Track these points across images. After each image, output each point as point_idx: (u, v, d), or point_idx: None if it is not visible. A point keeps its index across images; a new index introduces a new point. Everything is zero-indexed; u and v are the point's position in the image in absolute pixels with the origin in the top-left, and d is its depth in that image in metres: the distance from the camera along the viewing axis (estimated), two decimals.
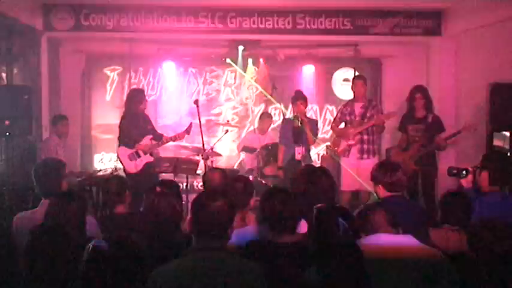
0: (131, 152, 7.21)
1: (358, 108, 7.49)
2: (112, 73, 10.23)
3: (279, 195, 3.70)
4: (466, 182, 4.68)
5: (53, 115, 8.27)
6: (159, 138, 7.56)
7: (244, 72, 9.87)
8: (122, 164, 7.30)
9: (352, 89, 7.63)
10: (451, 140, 7.18)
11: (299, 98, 7.57)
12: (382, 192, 4.24)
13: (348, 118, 7.57)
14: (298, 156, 7.40)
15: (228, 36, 9.08)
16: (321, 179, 4.21)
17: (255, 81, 10.07)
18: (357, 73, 9.43)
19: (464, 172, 5.00)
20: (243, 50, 9.53)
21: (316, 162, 9.27)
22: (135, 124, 7.25)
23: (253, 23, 8.71)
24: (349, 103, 7.69)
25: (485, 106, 6.49)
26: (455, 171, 6.17)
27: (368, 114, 7.41)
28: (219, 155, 9.01)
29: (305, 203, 3.76)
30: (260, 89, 9.70)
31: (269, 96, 9.14)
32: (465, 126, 6.94)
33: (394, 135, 8.34)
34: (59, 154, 7.38)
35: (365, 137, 7.39)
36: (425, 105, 7.14)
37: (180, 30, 8.68)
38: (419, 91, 7.19)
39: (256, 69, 9.96)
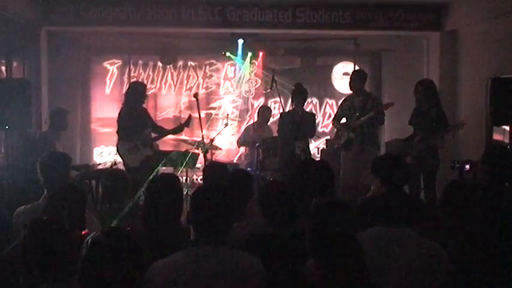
0: (130, 146, 7.20)
1: (357, 102, 7.47)
2: (112, 66, 10.24)
3: (278, 189, 3.70)
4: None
5: (52, 108, 8.25)
6: (158, 131, 7.55)
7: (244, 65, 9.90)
8: (122, 158, 7.29)
9: (350, 83, 7.61)
10: (449, 135, 7.17)
11: (299, 92, 7.57)
12: (382, 186, 4.23)
13: (347, 113, 7.55)
14: (297, 150, 7.40)
15: (227, 29, 9.06)
16: (321, 172, 4.21)
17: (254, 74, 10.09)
18: (356, 67, 9.42)
19: (467, 166, 5.00)
20: (243, 44, 9.53)
21: (316, 156, 9.28)
22: (134, 117, 7.23)
23: (253, 17, 8.69)
24: (349, 97, 7.68)
25: (485, 100, 6.48)
26: (458, 165, 6.19)
27: (367, 108, 7.39)
28: (219, 148, 9.01)
29: (304, 197, 3.77)
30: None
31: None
32: (455, 125, 6.92)
33: (394, 128, 8.35)
34: (56, 148, 7.37)
35: (365, 130, 7.37)
36: (428, 99, 7.03)
37: (179, 24, 8.66)
38: (421, 85, 7.10)
39: (255, 62, 9.97)
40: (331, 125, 8.57)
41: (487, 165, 4.56)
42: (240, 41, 9.51)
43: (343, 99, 7.96)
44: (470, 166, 5.63)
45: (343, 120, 7.67)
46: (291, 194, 3.67)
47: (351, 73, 8.21)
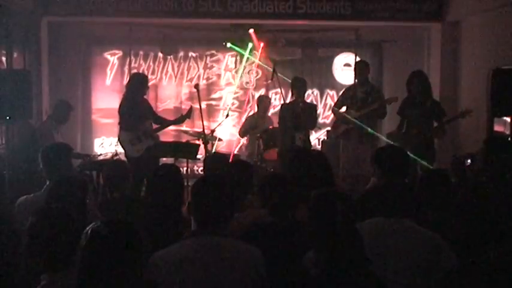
0: (133, 136, 7.20)
1: (360, 92, 7.47)
2: (112, 57, 10.22)
3: (277, 180, 3.71)
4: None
5: (56, 99, 8.23)
6: (159, 122, 7.55)
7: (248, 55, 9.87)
8: (124, 149, 7.29)
9: (355, 73, 7.61)
10: (449, 126, 7.16)
11: (298, 83, 7.57)
12: (383, 177, 4.22)
13: (349, 102, 7.56)
14: (298, 142, 7.40)
15: (228, 20, 9.03)
16: (319, 163, 4.21)
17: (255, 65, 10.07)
18: (358, 58, 9.40)
19: (469, 160, 4.99)
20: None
21: (317, 147, 9.28)
22: (135, 109, 7.23)
23: (254, 7, 8.65)
24: (351, 87, 7.68)
25: (486, 91, 6.47)
26: (460, 158, 6.19)
27: (370, 99, 7.39)
28: (220, 139, 9.01)
29: (304, 188, 3.77)
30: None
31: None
32: (462, 112, 6.93)
33: (394, 120, 8.33)
34: (55, 138, 7.37)
35: (365, 121, 7.36)
36: (424, 90, 7.02)
37: (180, 14, 8.63)
38: (417, 76, 7.10)
39: (257, 53, 9.94)
40: (332, 116, 8.57)
41: (486, 156, 4.56)
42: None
43: (345, 87, 7.97)
44: (471, 161, 5.62)
45: (343, 108, 7.68)
46: (291, 185, 3.68)
47: (355, 63, 8.21)
